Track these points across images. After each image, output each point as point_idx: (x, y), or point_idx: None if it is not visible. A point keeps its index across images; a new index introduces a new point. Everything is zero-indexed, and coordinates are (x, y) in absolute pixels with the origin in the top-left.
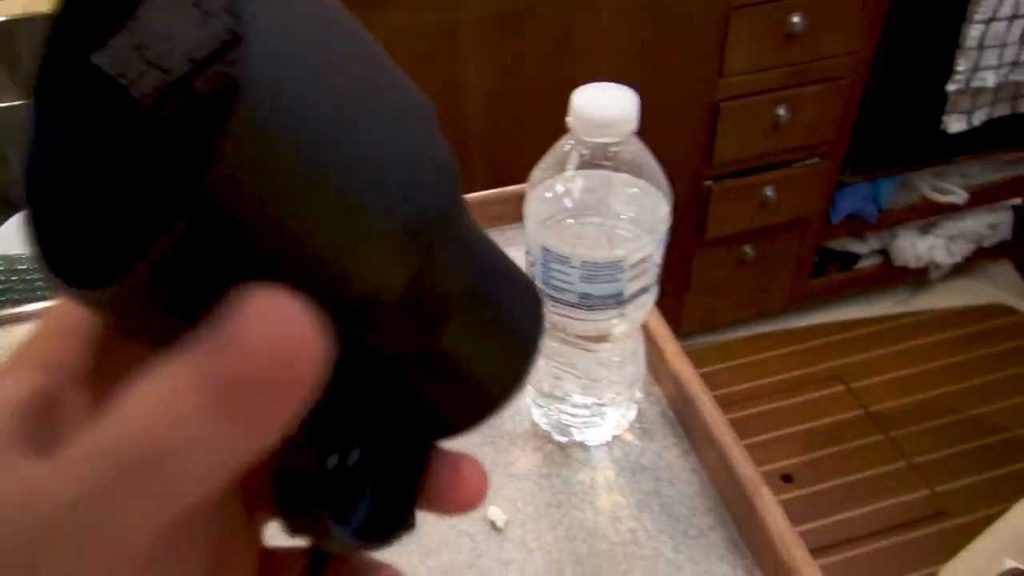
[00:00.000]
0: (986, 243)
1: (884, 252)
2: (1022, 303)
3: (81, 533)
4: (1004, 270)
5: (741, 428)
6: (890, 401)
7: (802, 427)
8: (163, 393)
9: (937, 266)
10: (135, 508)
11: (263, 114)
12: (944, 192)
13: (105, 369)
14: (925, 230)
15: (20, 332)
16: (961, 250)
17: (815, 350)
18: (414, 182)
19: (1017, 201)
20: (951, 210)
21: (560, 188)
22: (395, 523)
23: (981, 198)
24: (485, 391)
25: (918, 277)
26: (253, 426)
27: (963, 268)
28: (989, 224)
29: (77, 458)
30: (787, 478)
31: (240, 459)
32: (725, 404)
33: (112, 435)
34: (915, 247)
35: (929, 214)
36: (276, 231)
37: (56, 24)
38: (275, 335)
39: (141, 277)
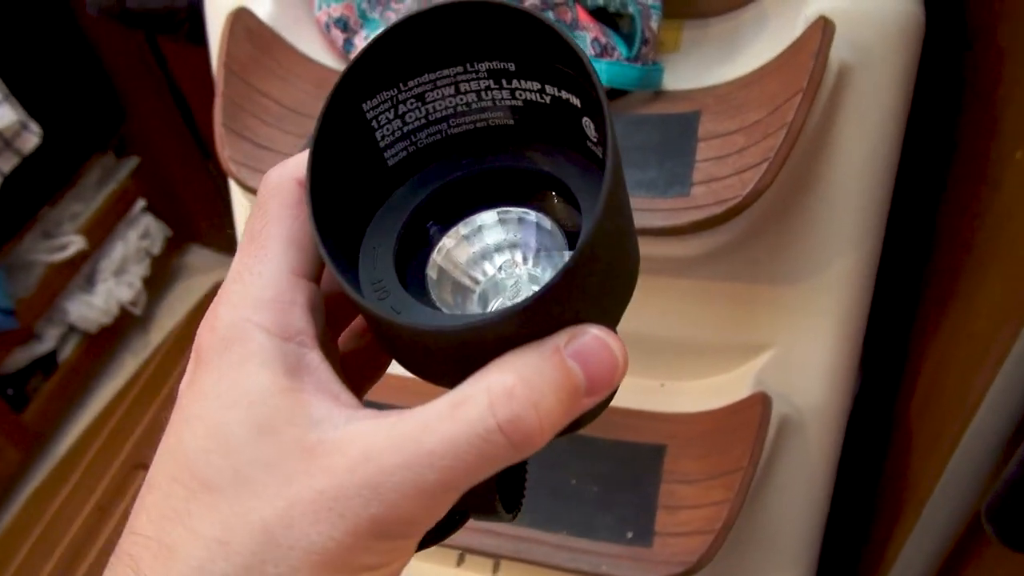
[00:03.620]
0: None
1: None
2: None
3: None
4: None
5: None
6: None
7: None
8: (533, 397)
9: None
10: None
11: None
12: None
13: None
14: None
15: None
16: None
17: None
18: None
19: None
20: None
21: None
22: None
23: None
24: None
25: None
26: (573, 416)
27: None
28: None
29: (447, 428)
30: None
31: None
32: None
33: (482, 419)
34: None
35: None
36: (605, 276)
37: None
38: (606, 370)
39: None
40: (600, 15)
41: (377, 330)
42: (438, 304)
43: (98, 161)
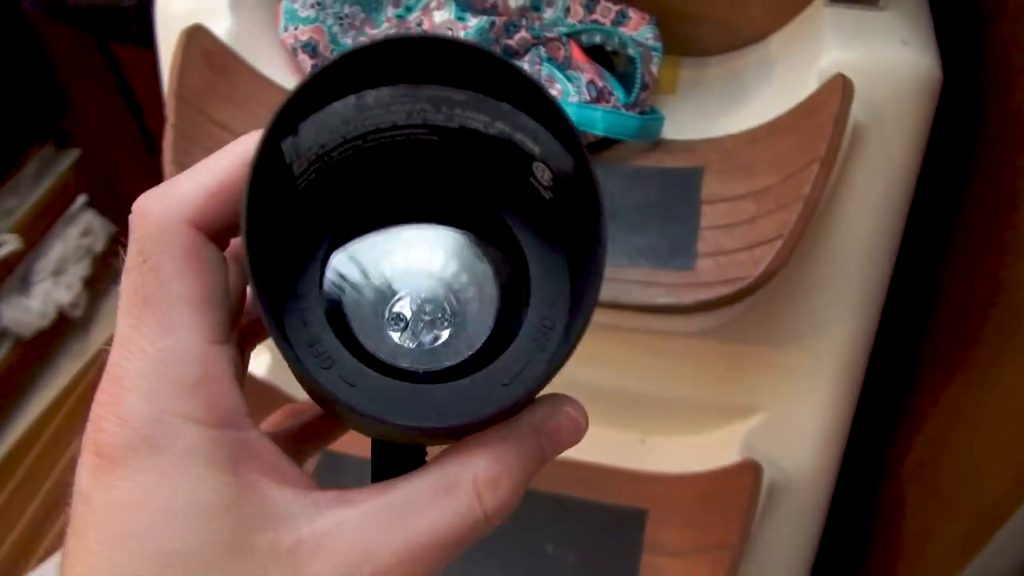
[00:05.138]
0: None
1: None
2: None
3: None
4: None
5: None
6: None
7: None
8: (515, 485)
9: None
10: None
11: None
12: None
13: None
14: None
15: None
16: None
17: None
18: None
19: None
20: None
21: None
22: None
23: None
24: None
25: None
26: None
27: None
28: None
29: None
30: None
31: None
32: None
33: (471, 509)
34: None
35: None
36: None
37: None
38: (572, 442)
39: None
40: (594, 53)
41: (341, 416)
42: (363, 341)
43: (36, 153)
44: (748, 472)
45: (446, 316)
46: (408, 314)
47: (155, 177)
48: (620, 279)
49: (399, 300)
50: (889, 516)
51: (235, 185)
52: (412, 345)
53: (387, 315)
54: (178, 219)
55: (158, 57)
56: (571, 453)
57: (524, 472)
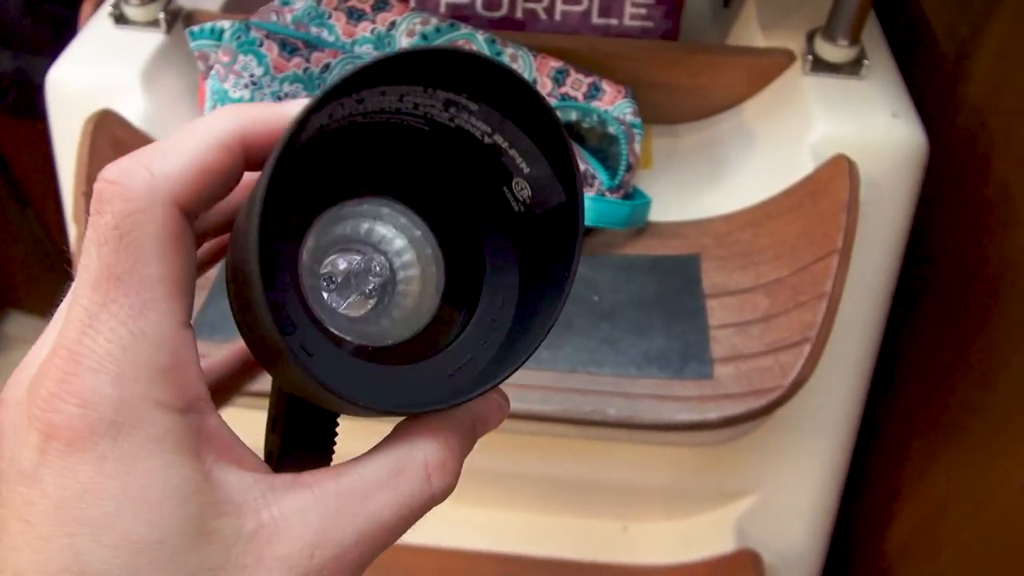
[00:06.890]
0: None
1: None
2: None
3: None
4: None
5: None
6: None
7: None
8: (457, 466)
9: None
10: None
11: None
12: None
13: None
14: None
15: None
16: None
17: None
18: None
19: None
20: None
21: None
22: None
23: None
24: None
25: None
26: None
27: None
28: None
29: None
30: None
31: None
32: None
33: (422, 490)
34: None
35: None
36: None
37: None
38: (501, 419)
39: None
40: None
41: (291, 382)
42: (310, 304)
43: None
44: (748, 564)
45: (374, 283)
46: (335, 272)
47: (30, 236)
48: (631, 393)
49: (330, 259)
50: None
51: (215, 167)
52: (342, 307)
53: (321, 273)
54: (163, 197)
55: (50, 138)
56: (545, 550)
57: (463, 453)
